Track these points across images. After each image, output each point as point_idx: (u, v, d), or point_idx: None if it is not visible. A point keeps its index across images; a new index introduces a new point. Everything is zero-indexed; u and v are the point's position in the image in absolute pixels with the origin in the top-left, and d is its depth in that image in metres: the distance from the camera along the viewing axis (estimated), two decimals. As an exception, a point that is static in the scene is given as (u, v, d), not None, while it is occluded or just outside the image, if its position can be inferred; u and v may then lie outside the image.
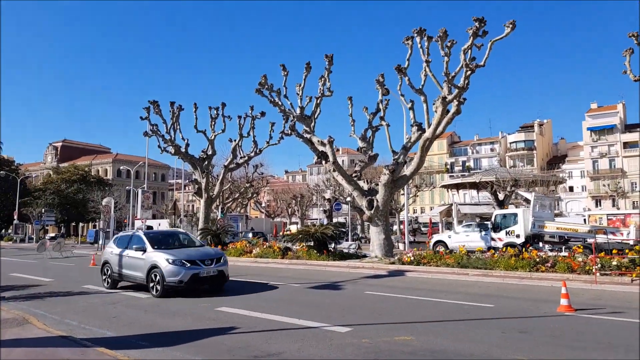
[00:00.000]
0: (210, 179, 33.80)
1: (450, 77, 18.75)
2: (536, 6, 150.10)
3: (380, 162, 41.90)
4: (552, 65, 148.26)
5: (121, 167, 76.36)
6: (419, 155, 21.26)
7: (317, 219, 72.30)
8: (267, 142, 32.42)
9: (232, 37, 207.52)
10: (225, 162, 34.39)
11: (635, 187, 74.68)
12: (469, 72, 18.20)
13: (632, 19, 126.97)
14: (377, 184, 22.96)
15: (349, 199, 43.54)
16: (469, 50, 18.11)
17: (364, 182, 23.70)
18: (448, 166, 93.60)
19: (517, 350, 6.80)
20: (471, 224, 28.71)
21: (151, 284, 12.59)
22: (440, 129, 20.01)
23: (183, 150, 32.50)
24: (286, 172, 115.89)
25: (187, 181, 78.96)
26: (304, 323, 8.84)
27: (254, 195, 59.81)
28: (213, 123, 32.45)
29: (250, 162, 37.97)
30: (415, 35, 19.57)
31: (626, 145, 77.45)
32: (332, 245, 22.52)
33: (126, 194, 57.70)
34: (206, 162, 32.93)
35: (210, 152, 33.09)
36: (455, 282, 14.95)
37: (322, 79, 24.04)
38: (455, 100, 18.84)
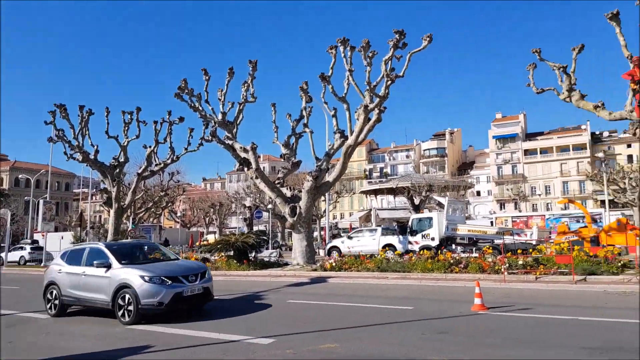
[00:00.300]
0: (122, 188, 32.00)
1: (372, 87, 19.21)
2: (451, 21, 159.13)
3: (303, 168, 42.07)
4: (463, 76, 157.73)
5: (20, 176, 70.07)
6: (341, 162, 21.53)
7: (236, 228, 71.06)
8: (185, 149, 31.30)
9: (149, 40, 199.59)
10: (139, 169, 32.72)
11: (535, 191, 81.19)
12: (389, 82, 18.75)
13: (533, 35, 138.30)
14: (301, 191, 22.94)
15: (270, 206, 43.23)
16: (390, 61, 18.68)
17: (287, 189, 23.58)
18: (367, 172, 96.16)
19: (436, 351, 6.93)
20: (362, 229, 29.81)
21: (120, 309, 10.15)
22: (362, 136, 20.41)
23: (92, 157, 30.48)
24: (204, 179, 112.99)
25: (94, 190, 74.09)
26: (225, 337, 8.47)
27: (169, 204, 57.56)
28: (126, 128, 30.77)
29: (166, 169, 36.46)
30: (339, 44, 19.86)
31: (527, 152, 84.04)
32: (253, 254, 22.13)
33: (25, 205, 53.16)
34: (117, 170, 31.13)
35: (122, 159, 31.33)
36: (376, 286, 15.19)
37: (246, 85, 23.66)
38: (376, 109, 19.33)
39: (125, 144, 30.88)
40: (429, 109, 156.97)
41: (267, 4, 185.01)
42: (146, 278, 10.11)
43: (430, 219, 24.26)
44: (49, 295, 11.84)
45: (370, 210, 43.82)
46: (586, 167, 73.10)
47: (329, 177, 22.85)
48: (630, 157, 72.72)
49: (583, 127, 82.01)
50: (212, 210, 64.63)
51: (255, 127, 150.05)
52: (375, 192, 47.35)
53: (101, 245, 11.73)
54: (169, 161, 31.78)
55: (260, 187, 24.24)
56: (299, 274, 18.69)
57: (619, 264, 14.24)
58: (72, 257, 11.94)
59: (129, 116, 30.60)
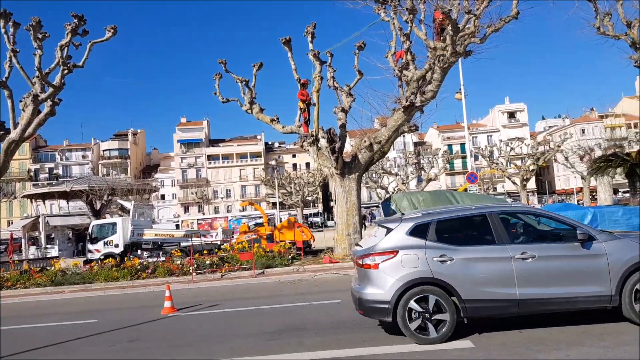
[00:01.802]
0: None
1: (43, 74, 16.69)
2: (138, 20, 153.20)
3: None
4: (149, 76, 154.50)
5: None
6: (1, 160, 17.92)
7: None
8: None
9: None
10: None
11: (218, 194, 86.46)
12: (65, 71, 16.68)
13: (219, 48, 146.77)
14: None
15: None
16: (66, 48, 16.66)
17: None
18: (32, 173, 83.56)
19: (130, 363, 6.51)
20: None
21: None
22: (30, 130, 17.46)
23: None
24: None
25: None
26: None
27: None
28: None
29: None
30: (-1, 18, 16.47)
31: (210, 157, 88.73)
32: None
33: None
34: None
35: None
36: (52, 303, 13.34)
37: None
38: (49, 100, 16.90)
39: None
40: (109, 107, 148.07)
41: None
42: None
43: (114, 224, 22.82)
44: (417, 307, 6.05)
45: (38, 217, 37.99)
46: (261, 173, 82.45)
47: (-16, 178, 18.78)
48: (295, 166, 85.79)
49: (259, 137, 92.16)
50: None
51: None
52: (44, 196, 41.31)
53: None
54: None
55: None
56: None
57: (289, 257, 16.51)
58: (453, 232, 6.77)
59: None
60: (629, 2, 17.35)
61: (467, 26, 15.56)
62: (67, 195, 36.81)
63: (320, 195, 68.77)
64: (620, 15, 17.12)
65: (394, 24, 16.50)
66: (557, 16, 76.64)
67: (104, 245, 22.21)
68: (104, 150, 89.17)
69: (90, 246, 22.51)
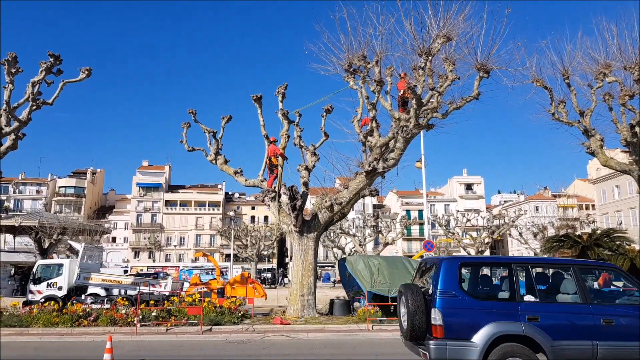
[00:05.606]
0: None
1: (11, 108, 16.55)
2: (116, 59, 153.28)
3: None
4: (112, 117, 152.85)
5: None
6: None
7: None
8: None
9: None
10: None
11: (171, 241, 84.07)
12: (34, 107, 16.60)
13: (190, 95, 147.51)
14: None
15: None
16: (38, 85, 16.66)
17: None
18: (-21, 204, 79.64)
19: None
20: None
21: None
22: (-9, 162, 17.02)
23: None
24: None
25: None
26: None
27: None
28: None
29: None
30: (-29, 49, 16.42)
31: (167, 203, 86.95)
32: None
33: None
34: None
35: None
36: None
37: None
38: (12, 134, 16.65)
39: None
40: (68, 144, 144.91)
41: None
42: None
43: (61, 266, 21.88)
44: None
45: (-21, 251, 35.97)
46: (218, 223, 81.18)
47: None
48: (253, 218, 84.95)
49: (219, 186, 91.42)
50: None
51: None
52: (-11, 230, 39.31)
53: None
54: None
55: None
56: None
57: (239, 314, 16.12)
58: None
59: None
60: (582, 91, 18.30)
61: (430, 101, 16.39)
62: (15, 230, 35.10)
63: (275, 250, 68.01)
64: (574, 104, 17.96)
65: (361, 92, 17.23)
66: (515, 100, 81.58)
67: (47, 287, 21.19)
68: (59, 187, 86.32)
69: (32, 287, 21.41)
